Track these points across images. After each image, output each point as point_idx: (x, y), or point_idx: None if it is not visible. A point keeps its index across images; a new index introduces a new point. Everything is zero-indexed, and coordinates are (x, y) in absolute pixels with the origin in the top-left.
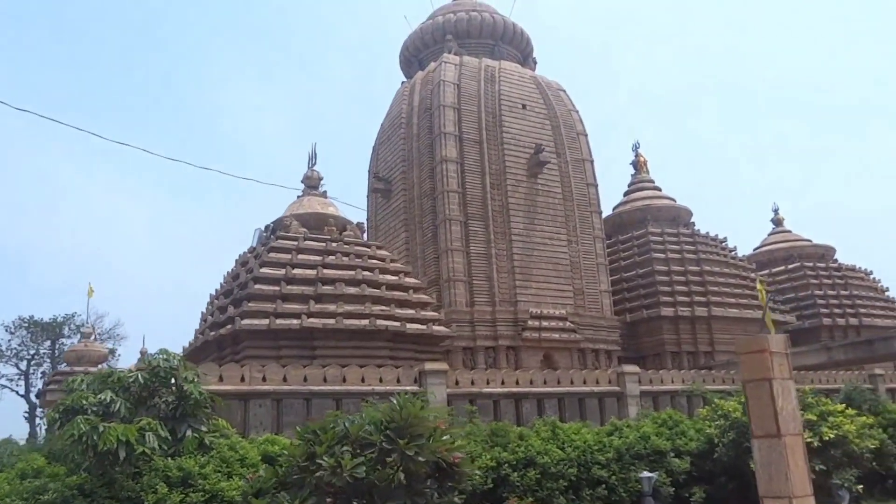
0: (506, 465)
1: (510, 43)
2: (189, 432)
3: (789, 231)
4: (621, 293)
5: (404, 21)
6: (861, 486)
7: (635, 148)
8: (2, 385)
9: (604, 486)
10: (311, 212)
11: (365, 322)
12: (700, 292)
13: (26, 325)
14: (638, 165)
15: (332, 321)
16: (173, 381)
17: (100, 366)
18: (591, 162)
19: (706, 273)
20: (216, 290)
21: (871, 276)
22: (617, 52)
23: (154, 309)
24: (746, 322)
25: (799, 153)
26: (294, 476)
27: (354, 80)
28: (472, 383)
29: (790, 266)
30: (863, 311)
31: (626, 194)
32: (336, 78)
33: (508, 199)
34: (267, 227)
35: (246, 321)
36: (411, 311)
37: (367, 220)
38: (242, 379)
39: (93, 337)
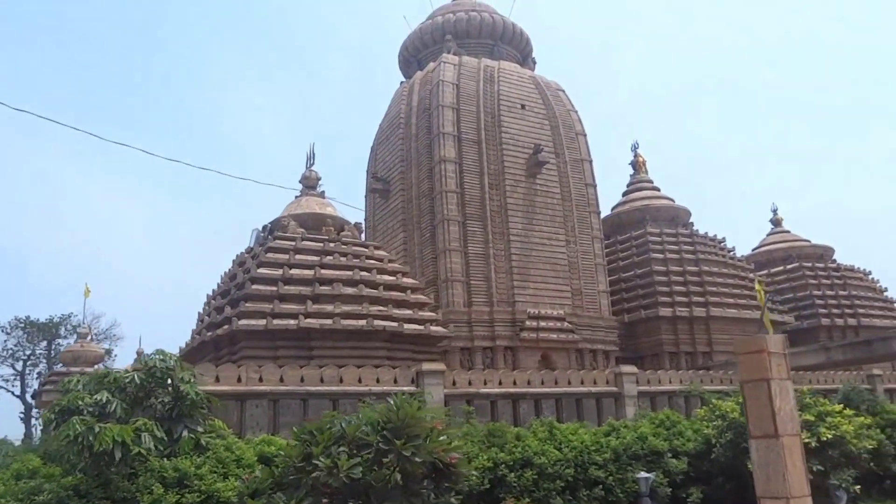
0: (503, 465)
1: (509, 43)
2: (185, 433)
3: (788, 231)
4: (619, 293)
5: (403, 21)
6: (858, 487)
7: (634, 148)
8: None
9: (601, 486)
10: (308, 212)
11: (362, 322)
12: (698, 292)
13: (22, 325)
14: (637, 165)
15: (329, 321)
16: (169, 381)
17: (96, 366)
18: (590, 162)
19: (705, 273)
20: (213, 291)
21: (870, 277)
22: (617, 52)
23: (152, 309)
24: (745, 322)
25: (798, 153)
26: (290, 477)
27: (354, 80)
28: (470, 384)
29: (789, 266)
30: (861, 311)
31: (624, 194)
32: (335, 78)
33: (507, 200)
34: (264, 227)
35: (243, 321)
36: (409, 312)
37: (366, 220)
38: (239, 379)
39: (89, 337)
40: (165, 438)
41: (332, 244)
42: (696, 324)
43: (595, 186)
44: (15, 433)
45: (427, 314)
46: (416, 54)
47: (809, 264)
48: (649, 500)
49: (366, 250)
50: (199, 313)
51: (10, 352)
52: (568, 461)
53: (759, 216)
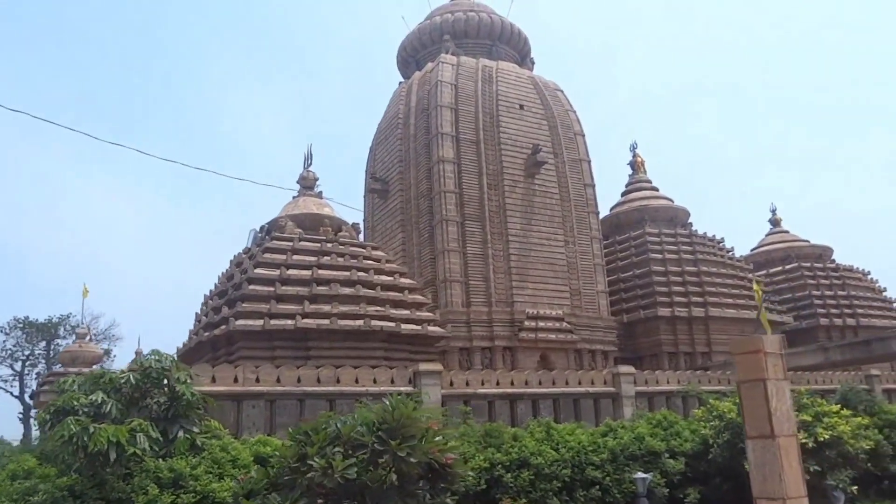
0: (499, 465)
1: (507, 43)
2: (181, 433)
3: (787, 231)
4: (618, 294)
5: (402, 22)
6: (856, 488)
7: (633, 148)
8: None
9: (598, 487)
10: (306, 212)
11: (359, 323)
12: (697, 293)
13: (21, 325)
14: (635, 166)
15: (326, 322)
16: (165, 381)
17: (94, 367)
18: (589, 162)
19: (703, 273)
20: (210, 291)
21: (869, 277)
22: (617, 52)
23: (151, 309)
24: (744, 322)
25: (797, 154)
26: (285, 477)
27: (353, 80)
28: (467, 384)
29: (788, 266)
30: (860, 311)
31: (623, 195)
32: (335, 79)
33: (505, 200)
34: (262, 227)
35: (240, 322)
36: (406, 312)
37: (364, 220)
38: (235, 380)
39: (88, 338)
40: (161, 439)
41: (329, 244)
42: (695, 324)
43: (594, 186)
44: (14, 434)
45: (424, 314)
46: (414, 55)
47: (808, 264)
48: (646, 501)
49: (363, 250)
50: (196, 314)
51: (9, 352)
52: (565, 461)
53: (758, 216)
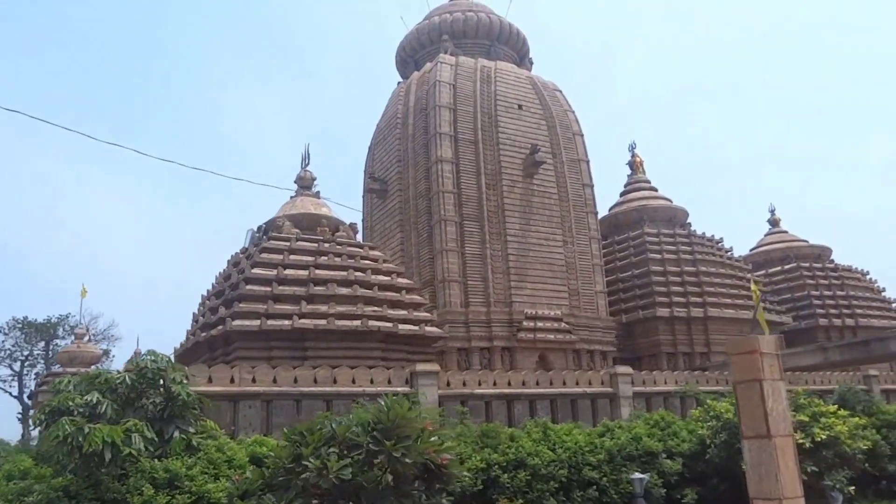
0: (496, 466)
1: (506, 43)
2: (176, 434)
3: (786, 231)
4: (617, 294)
5: (401, 22)
6: (853, 488)
7: (632, 148)
8: None
9: (595, 487)
10: (303, 212)
11: (357, 323)
12: (696, 293)
13: (20, 325)
14: (634, 166)
15: (323, 322)
16: (161, 382)
17: (93, 367)
18: (588, 162)
19: (702, 274)
20: (208, 291)
21: (868, 277)
22: (616, 52)
23: (150, 309)
24: (742, 322)
25: (797, 154)
26: (280, 478)
27: (352, 81)
28: (464, 384)
29: (786, 266)
30: (859, 311)
31: (622, 195)
32: (334, 78)
33: (504, 200)
34: (259, 227)
35: (237, 322)
36: (403, 312)
37: (363, 220)
38: (232, 380)
39: (86, 338)
40: (156, 439)
41: (326, 244)
42: (694, 324)
43: (592, 186)
44: (13, 434)
45: (422, 314)
46: (413, 55)
47: (807, 264)
48: (643, 501)
49: (360, 250)
50: (193, 314)
51: (8, 352)
52: (562, 462)
53: (757, 216)
